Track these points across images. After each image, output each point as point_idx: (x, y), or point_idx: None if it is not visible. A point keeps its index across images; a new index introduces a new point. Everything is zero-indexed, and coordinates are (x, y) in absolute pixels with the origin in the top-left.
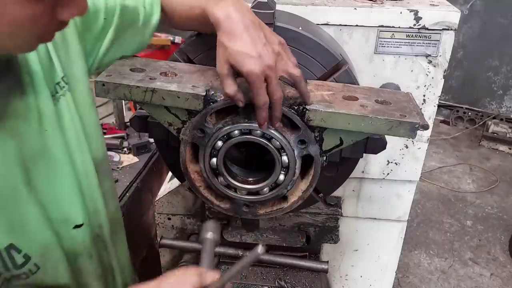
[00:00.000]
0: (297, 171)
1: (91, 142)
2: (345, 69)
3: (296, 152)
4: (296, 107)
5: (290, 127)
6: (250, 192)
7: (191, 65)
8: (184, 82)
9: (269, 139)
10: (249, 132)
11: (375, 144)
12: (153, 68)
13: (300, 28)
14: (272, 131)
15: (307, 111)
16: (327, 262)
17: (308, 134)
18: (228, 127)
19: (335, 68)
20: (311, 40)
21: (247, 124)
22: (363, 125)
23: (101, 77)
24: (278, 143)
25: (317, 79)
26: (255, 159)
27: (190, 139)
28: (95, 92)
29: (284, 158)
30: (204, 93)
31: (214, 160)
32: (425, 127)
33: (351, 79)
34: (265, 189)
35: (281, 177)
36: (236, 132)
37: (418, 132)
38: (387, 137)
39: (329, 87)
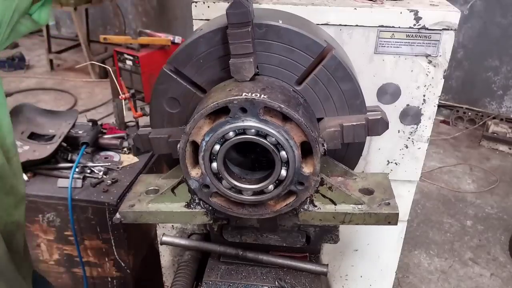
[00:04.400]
0: (298, 164)
1: None
2: (331, 55)
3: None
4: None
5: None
6: (255, 192)
7: None
8: None
9: (265, 136)
10: (244, 131)
11: (377, 126)
12: None
13: (281, 22)
14: (266, 127)
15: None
16: (327, 265)
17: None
18: (222, 129)
19: (321, 55)
20: (292, 31)
21: (240, 124)
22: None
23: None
24: (273, 139)
25: (305, 69)
26: (262, 159)
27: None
28: None
29: (283, 153)
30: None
31: (214, 164)
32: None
33: (339, 63)
34: (269, 187)
35: (283, 172)
36: (231, 133)
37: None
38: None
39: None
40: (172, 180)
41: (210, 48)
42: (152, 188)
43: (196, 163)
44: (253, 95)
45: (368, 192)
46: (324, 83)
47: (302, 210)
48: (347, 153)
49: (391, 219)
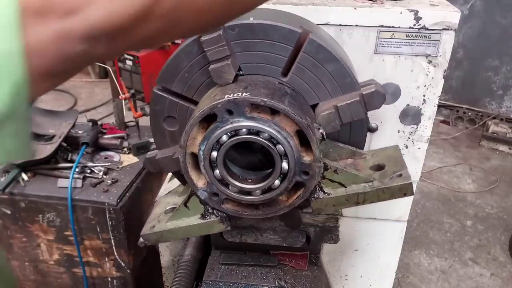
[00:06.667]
0: (297, 154)
1: None
2: (309, 39)
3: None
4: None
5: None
6: (263, 191)
7: None
8: None
9: (257, 133)
10: (236, 133)
11: (373, 99)
12: None
13: (252, 18)
14: (255, 124)
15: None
16: None
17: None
18: (214, 135)
19: (299, 41)
20: (264, 25)
21: (229, 126)
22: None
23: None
24: (266, 134)
25: (287, 59)
26: (269, 157)
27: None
28: None
29: (279, 146)
30: None
31: (216, 171)
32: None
33: (319, 46)
34: (276, 182)
35: (284, 165)
36: (224, 137)
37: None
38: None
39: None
40: None
41: (191, 60)
42: (170, 207)
43: (200, 174)
44: (235, 95)
45: (379, 168)
46: (309, 69)
47: (313, 199)
48: (351, 134)
49: (406, 190)
